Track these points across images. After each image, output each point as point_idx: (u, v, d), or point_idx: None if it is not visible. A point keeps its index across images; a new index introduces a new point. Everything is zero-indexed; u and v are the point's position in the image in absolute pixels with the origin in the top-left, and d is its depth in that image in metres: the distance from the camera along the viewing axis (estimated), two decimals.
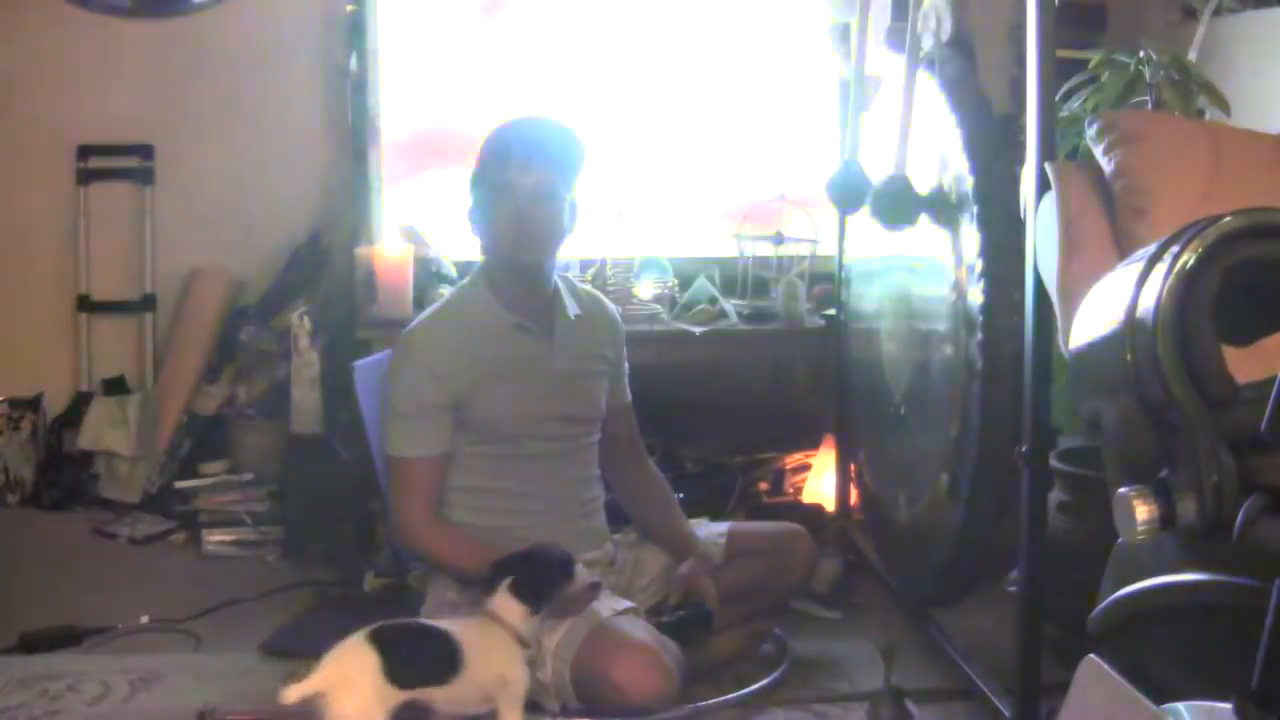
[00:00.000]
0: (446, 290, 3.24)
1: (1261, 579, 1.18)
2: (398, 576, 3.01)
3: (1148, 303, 1.31)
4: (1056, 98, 2.61)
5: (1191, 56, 3.10)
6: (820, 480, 3.61)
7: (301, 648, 2.77)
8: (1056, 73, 2.11)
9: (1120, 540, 1.48)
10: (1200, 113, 2.88)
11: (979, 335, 2.46)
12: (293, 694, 2.07)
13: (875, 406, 3.09)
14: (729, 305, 3.61)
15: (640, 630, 2.46)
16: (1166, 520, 1.25)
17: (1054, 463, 2.62)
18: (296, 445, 3.62)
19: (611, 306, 2.86)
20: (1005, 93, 3.16)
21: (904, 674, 2.43)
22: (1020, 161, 2.24)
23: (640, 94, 3.88)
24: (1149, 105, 2.82)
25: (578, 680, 2.38)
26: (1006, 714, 2.26)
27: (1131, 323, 1.33)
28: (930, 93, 2.69)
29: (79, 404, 3.92)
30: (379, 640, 2.13)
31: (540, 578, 2.32)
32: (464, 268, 3.43)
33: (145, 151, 4.02)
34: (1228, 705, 1.18)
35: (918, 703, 2.40)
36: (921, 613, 2.88)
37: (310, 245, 3.95)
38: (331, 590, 3.25)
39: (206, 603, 3.15)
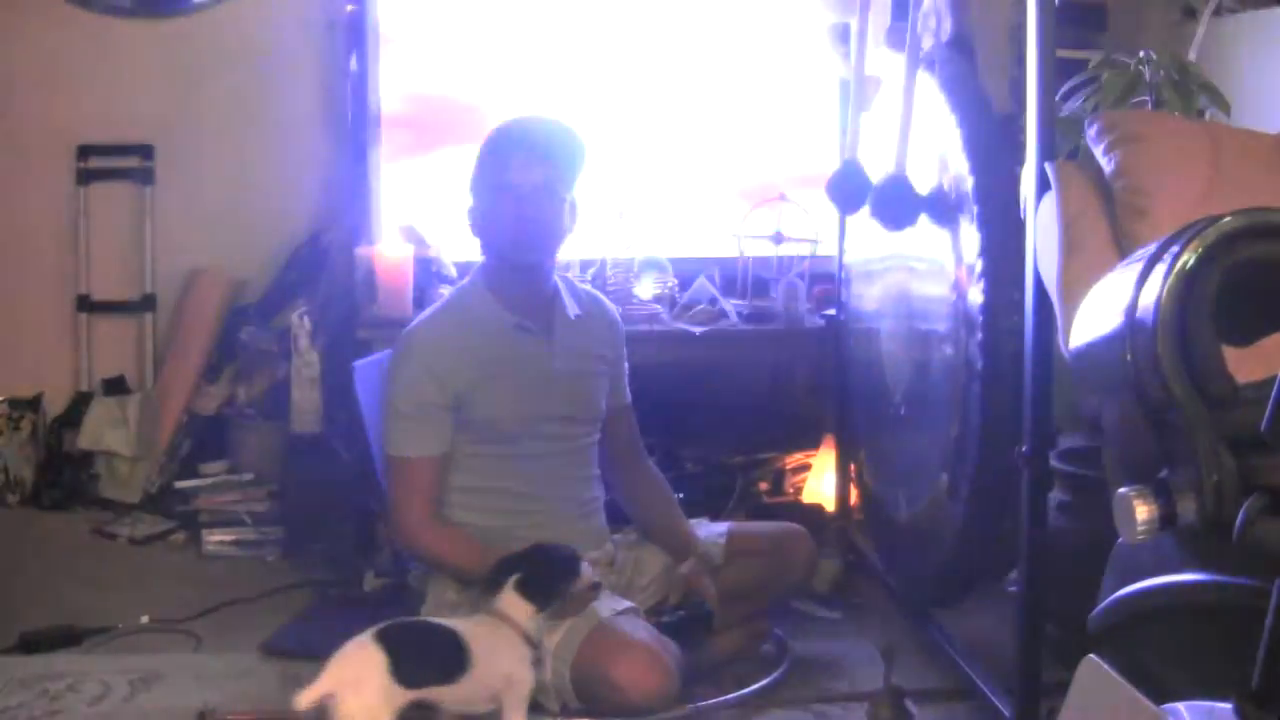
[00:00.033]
0: (446, 290, 3.24)
1: (1261, 579, 1.18)
2: (398, 576, 3.01)
3: (1148, 303, 1.31)
4: (1056, 98, 2.61)
5: (1191, 56, 3.10)
6: (820, 480, 3.61)
7: (301, 648, 2.78)
8: (1056, 73, 2.11)
9: (1120, 540, 1.48)
10: (1200, 113, 2.88)
11: (979, 335, 2.46)
12: (305, 699, 2.06)
13: (875, 406, 3.09)
14: (729, 305, 3.61)
15: (640, 630, 2.46)
16: (1166, 520, 1.25)
17: (1054, 463, 2.61)
18: (296, 445, 3.62)
19: (611, 306, 2.86)
20: (1005, 93, 3.16)
21: (904, 674, 2.43)
22: (1020, 161, 2.24)
23: (640, 94, 3.87)
24: (1149, 105, 2.83)
25: (578, 680, 2.38)
26: (1006, 714, 2.26)
27: (1131, 323, 1.33)
28: (930, 93, 2.69)
29: (79, 404, 3.92)
30: (386, 640, 2.13)
31: (547, 575, 2.32)
32: (464, 268, 3.43)
33: (145, 151, 4.02)
34: (1228, 705, 1.18)
35: (918, 703, 2.40)
36: (921, 613, 2.88)
37: (310, 245, 3.95)
38: (331, 590, 3.26)
39: (206, 603, 3.15)
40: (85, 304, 4.03)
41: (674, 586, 2.66)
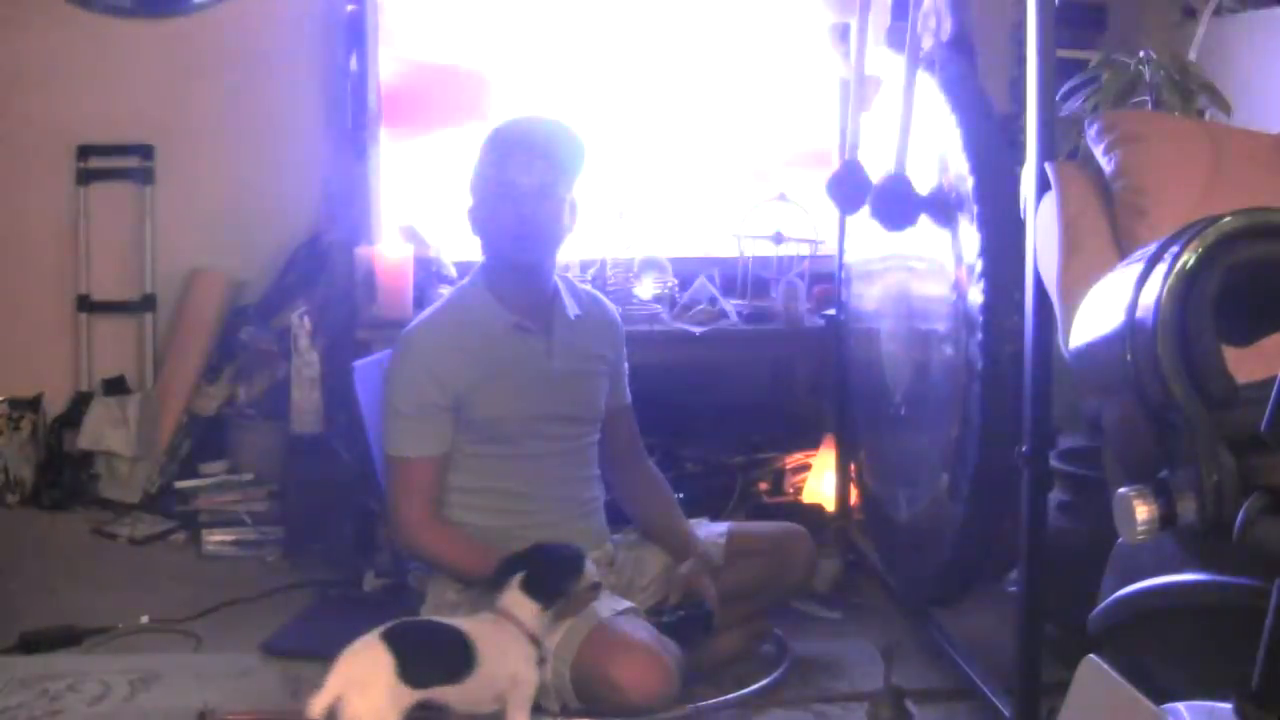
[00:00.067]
0: (446, 290, 3.24)
1: (1261, 579, 1.19)
2: (398, 576, 3.01)
3: (1148, 303, 1.31)
4: (1056, 98, 2.61)
5: (1191, 56, 3.10)
6: (820, 480, 3.60)
7: (301, 648, 2.78)
8: (1056, 73, 2.11)
9: (1120, 540, 1.48)
10: (1200, 113, 2.88)
11: (979, 335, 2.45)
12: (317, 705, 2.05)
13: (875, 406, 3.09)
14: (729, 305, 3.61)
15: (640, 630, 2.46)
16: (1166, 520, 1.25)
17: (1054, 463, 2.61)
18: (296, 445, 3.62)
19: (611, 306, 2.86)
20: (1005, 93, 3.16)
21: (904, 674, 2.44)
22: (1020, 161, 2.24)
23: (640, 93, 3.87)
24: (1149, 105, 2.82)
25: (578, 680, 2.38)
26: (1006, 714, 2.26)
27: (1131, 323, 1.33)
28: (930, 93, 2.69)
29: (79, 404, 3.92)
30: (393, 640, 2.12)
31: (551, 573, 2.31)
32: (464, 268, 3.43)
33: (145, 151, 4.02)
34: (1228, 705, 1.18)
35: (918, 703, 2.40)
36: (921, 613, 2.88)
37: (310, 245, 3.95)
38: (331, 590, 3.26)
39: (206, 603, 3.15)
40: (85, 304, 4.04)
41: (674, 586, 2.65)
